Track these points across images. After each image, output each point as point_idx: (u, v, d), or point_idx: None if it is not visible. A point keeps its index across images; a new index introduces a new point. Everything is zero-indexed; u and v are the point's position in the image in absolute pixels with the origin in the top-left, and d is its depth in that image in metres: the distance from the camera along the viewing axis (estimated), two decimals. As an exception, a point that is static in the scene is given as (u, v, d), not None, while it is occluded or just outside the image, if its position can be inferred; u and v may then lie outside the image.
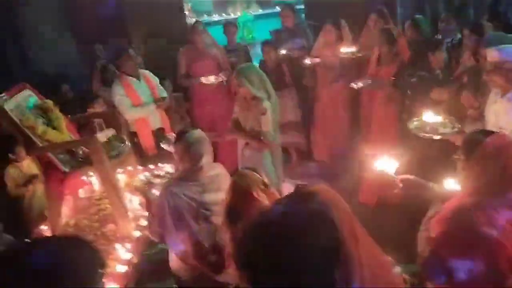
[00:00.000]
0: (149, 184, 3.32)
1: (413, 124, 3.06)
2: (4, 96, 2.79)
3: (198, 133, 2.58)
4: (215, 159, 4.71)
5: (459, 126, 2.91)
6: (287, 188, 4.85)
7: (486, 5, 5.45)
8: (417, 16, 4.61)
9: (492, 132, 2.06)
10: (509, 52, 2.63)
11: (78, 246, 1.13)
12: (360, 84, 4.16)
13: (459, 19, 4.83)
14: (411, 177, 2.30)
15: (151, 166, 3.82)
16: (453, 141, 2.94)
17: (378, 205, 4.16)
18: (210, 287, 2.61)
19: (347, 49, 4.54)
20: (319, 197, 1.15)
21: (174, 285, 2.86)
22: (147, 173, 3.67)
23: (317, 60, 4.78)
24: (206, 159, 2.55)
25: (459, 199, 2.06)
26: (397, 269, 2.48)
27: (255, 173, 2.21)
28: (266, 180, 2.22)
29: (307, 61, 4.83)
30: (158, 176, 3.63)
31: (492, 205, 1.92)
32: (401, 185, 2.23)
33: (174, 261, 2.69)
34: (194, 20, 9.73)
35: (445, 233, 1.98)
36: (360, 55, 4.49)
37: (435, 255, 2.00)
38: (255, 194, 2.09)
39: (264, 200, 2.10)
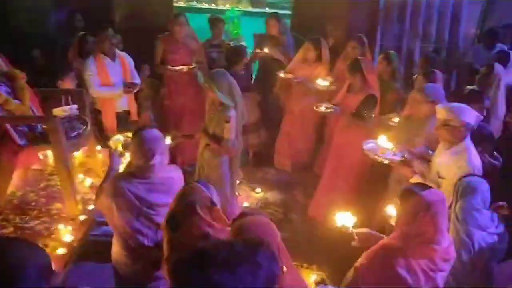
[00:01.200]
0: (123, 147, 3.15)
1: (368, 146, 3.37)
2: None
3: (154, 132, 2.60)
4: (178, 148, 4.86)
5: (408, 155, 3.20)
6: (243, 190, 4.99)
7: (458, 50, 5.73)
8: (390, 51, 4.77)
9: (428, 187, 2.23)
10: (456, 110, 2.85)
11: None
12: (322, 109, 4.32)
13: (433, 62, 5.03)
14: (366, 231, 2.54)
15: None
16: (397, 168, 3.28)
17: (324, 221, 4.33)
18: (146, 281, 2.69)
19: (323, 82, 4.67)
20: (267, 249, 1.31)
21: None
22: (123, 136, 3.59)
23: (290, 76, 4.89)
24: (159, 159, 2.56)
25: (388, 239, 2.28)
26: None
27: (205, 189, 2.28)
28: (214, 197, 2.30)
29: (281, 74, 4.93)
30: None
31: (413, 253, 2.14)
32: (356, 238, 2.48)
33: (114, 251, 2.73)
34: (181, 4, 9.74)
35: (366, 266, 2.23)
36: (333, 87, 4.63)
37: (354, 283, 2.24)
38: (198, 209, 2.17)
39: (207, 217, 2.18)
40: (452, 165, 2.83)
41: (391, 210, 2.82)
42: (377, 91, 4.18)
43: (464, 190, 2.62)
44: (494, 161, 3.27)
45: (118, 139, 3.23)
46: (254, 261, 1.23)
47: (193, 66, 4.87)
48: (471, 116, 2.86)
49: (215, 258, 1.22)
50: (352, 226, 2.55)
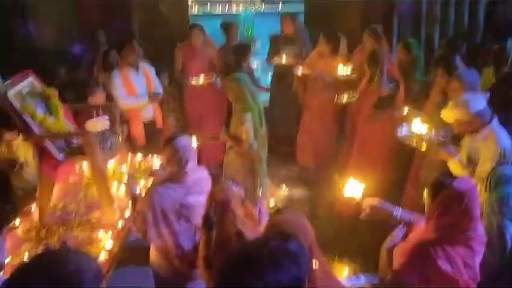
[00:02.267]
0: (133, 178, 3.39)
1: (402, 132, 3.33)
2: (7, 83, 2.93)
3: (184, 140, 2.76)
4: (204, 149, 5.00)
5: (443, 136, 3.18)
6: (270, 190, 5.09)
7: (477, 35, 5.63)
8: (409, 39, 4.76)
9: (459, 177, 2.28)
10: (460, 107, 2.85)
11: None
12: (344, 99, 4.35)
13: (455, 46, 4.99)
14: (377, 202, 2.46)
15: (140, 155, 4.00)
16: (434, 152, 3.23)
17: (353, 215, 4.38)
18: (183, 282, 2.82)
19: (342, 70, 4.70)
20: (297, 240, 1.40)
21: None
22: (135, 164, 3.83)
23: (307, 71, 4.94)
24: (191, 164, 2.73)
25: (422, 234, 2.28)
26: (361, 279, 2.75)
27: (235, 187, 2.40)
28: (243, 193, 2.42)
29: (298, 71, 4.99)
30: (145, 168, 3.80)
31: (450, 243, 2.15)
32: (367, 210, 2.43)
33: (153, 255, 2.88)
34: (196, 10, 9.87)
35: (406, 265, 2.22)
36: (354, 76, 4.66)
37: (395, 281, 2.24)
38: (230, 208, 2.30)
39: (240, 213, 2.30)
40: (481, 147, 2.82)
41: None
42: (399, 80, 4.21)
43: (498, 180, 2.58)
44: None
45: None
46: (291, 253, 1.33)
47: (210, 77, 5.03)
48: (477, 102, 2.84)
49: (259, 258, 1.31)
50: (361, 196, 2.48)
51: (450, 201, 2.12)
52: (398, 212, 2.47)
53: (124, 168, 3.73)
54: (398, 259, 2.29)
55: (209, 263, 2.34)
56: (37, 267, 1.28)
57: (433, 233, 2.18)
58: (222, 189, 2.39)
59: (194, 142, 3.48)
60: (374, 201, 2.46)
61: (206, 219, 2.34)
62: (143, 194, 2.84)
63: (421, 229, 2.32)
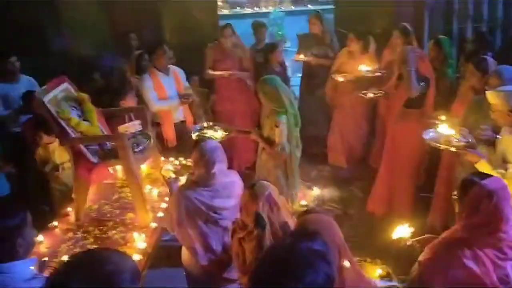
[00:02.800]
0: (175, 173, 3.44)
1: (429, 135, 3.27)
2: (44, 88, 3.05)
3: (212, 142, 2.80)
4: (235, 152, 5.03)
5: (472, 139, 3.07)
6: (300, 189, 5.07)
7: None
8: (440, 36, 4.64)
9: (487, 175, 2.20)
10: (502, 95, 2.77)
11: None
12: (370, 95, 4.29)
13: (485, 42, 4.85)
14: (426, 236, 2.52)
15: (172, 159, 4.06)
16: (462, 154, 3.15)
17: (384, 215, 4.32)
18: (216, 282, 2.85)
19: (367, 68, 4.66)
20: (321, 239, 1.41)
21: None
22: (173, 163, 3.87)
23: (341, 77, 4.90)
24: (219, 167, 2.75)
25: (451, 232, 2.24)
26: (393, 281, 2.72)
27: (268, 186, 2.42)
28: (276, 195, 2.42)
29: (338, 77, 4.93)
30: (183, 166, 3.84)
31: (479, 243, 2.09)
32: (418, 245, 2.46)
33: (185, 255, 2.93)
34: (226, 11, 9.98)
35: (432, 260, 2.17)
36: (379, 74, 4.58)
37: (420, 278, 2.20)
38: (275, 201, 2.35)
39: (283, 207, 2.37)
40: None
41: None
42: (432, 78, 4.11)
43: None
44: None
45: (167, 168, 3.48)
46: (320, 252, 1.35)
47: (232, 72, 5.05)
48: None
49: (294, 260, 1.33)
50: (410, 236, 2.52)
51: (478, 200, 2.08)
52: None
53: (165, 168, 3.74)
54: (424, 253, 2.26)
55: None
56: (79, 266, 1.31)
57: (462, 233, 2.15)
58: (262, 185, 2.40)
59: (220, 133, 3.63)
60: (424, 237, 2.53)
61: (257, 218, 2.33)
62: None
63: (452, 228, 2.29)
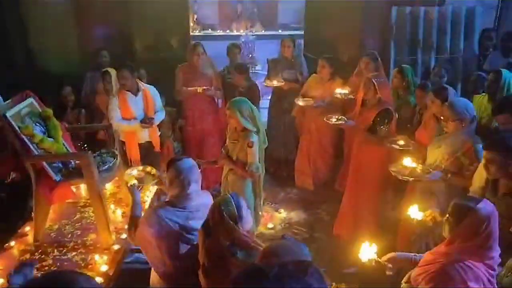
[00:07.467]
0: (138, 180, 3.27)
1: (394, 167, 3.45)
2: (7, 102, 2.95)
3: (188, 161, 2.75)
4: (202, 172, 4.98)
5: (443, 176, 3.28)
6: (266, 211, 5.07)
7: (475, 58, 5.71)
8: (403, 65, 4.83)
9: (476, 199, 2.30)
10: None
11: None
12: (333, 120, 4.41)
13: (449, 70, 5.07)
14: (393, 254, 2.58)
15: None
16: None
17: (350, 238, 4.35)
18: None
19: (341, 91, 4.78)
20: (314, 273, 1.32)
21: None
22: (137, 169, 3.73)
23: (307, 101, 5.03)
24: (194, 187, 2.71)
25: (443, 257, 2.28)
26: None
27: (236, 200, 2.43)
28: (245, 208, 2.44)
29: (299, 102, 5.06)
30: (147, 172, 3.69)
31: (477, 264, 2.18)
32: (390, 266, 2.51)
33: (153, 277, 2.85)
34: (197, 32, 10.03)
35: None
36: (352, 97, 4.72)
37: None
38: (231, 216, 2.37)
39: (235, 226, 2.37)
40: None
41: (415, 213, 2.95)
42: (391, 105, 4.25)
43: None
44: None
45: (131, 174, 3.33)
46: (304, 282, 1.26)
47: (206, 87, 5.05)
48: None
49: (269, 274, 1.24)
50: (376, 254, 2.56)
51: (477, 225, 2.16)
52: (415, 256, 2.58)
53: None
54: (421, 285, 2.29)
55: (209, 272, 2.37)
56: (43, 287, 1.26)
57: (458, 255, 2.20)
58: (223, 200, 2.43)
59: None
60: (390, 255, 2.58)
61: (205, 225, 2.37)
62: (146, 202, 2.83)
63: (438, 252, 2.33)
